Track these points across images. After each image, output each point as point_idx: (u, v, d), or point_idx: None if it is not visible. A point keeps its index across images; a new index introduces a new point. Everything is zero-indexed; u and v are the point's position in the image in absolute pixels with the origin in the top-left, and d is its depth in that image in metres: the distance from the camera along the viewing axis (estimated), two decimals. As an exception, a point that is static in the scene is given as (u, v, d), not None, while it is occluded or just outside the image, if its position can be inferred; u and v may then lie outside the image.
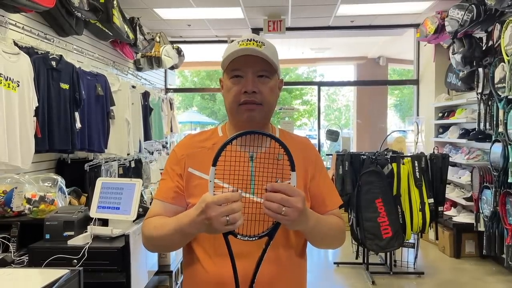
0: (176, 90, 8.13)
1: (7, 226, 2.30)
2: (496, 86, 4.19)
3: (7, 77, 2.75)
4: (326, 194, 1.30)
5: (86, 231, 2.21)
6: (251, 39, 1.22)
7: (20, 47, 3.03)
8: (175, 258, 2.95)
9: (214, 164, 1.04)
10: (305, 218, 1.08)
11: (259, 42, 1.21)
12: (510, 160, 3.89)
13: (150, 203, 2.83)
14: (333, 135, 7.80)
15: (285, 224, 1.04)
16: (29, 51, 3.11)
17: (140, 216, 2.43)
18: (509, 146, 3.91)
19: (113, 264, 2.10)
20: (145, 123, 5.22)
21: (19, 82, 2.85)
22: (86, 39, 4.39)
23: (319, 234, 1.19)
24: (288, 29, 6.27)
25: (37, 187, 2.56)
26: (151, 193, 3.19)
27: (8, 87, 2.76)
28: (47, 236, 2.17)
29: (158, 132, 5.82)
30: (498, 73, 4.17)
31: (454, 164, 5.43)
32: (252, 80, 1.20)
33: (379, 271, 4.54)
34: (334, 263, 4.80)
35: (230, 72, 1.23)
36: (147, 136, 5.27)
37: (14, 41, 3.05)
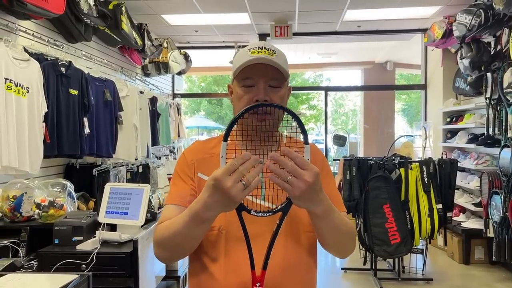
0: (183, 96, 8.17)
1: (16, 231, 2.31)
2: (505, 91, 4.16)
3: (17, 83, 2.78)
4: (331, 198, 1.27)
5: (95, 236, 2.22)
6: (262, 47, 1.20)
7: (30, 54, 3.06)
8: (183, 263, 2.95)
9: (225, 139, 1.02)
10: (316, 197, 1.02)
11: (270, 50, 1.20)
12: (519, 166, 3.86)
13: (158, 208, 2.84)
14: (340, 140, 7.79)
15: (291, 197, 0.99)
16: (39, 57, 3.14)
17: (148, 221, 2.44)
18: (518, 151, 3.88)
19: (122, 269, 2.11)
20: (153, 128, 5.24)
21: (28, 88, 2.88)
22: (94, 45, 4.43)
23: (331, 224, 1.12)
24: (295, 34, 6.28)
25: (46, 192, 2.57)
26: (158, 198, 3.20)
27: (18, 93, 2.79)
28: (56, 241, 2.19)
29: (166, 137, 5.84)
30: (507, 78, 4.14)
31: (463, 170, 5.39)
32: (264, 89, 1.19)
33: (387, 277, 4.50)
34: (342, 268, 4.77)
35: (241, 80, 1.22)
36: (154, 141, 5.30)
37: (24, 48, 3.08)
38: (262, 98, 1.18)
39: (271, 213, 1.03)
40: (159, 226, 1.20)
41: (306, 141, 1.03)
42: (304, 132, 1.03)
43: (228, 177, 0.95)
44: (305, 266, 1.22)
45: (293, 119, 1.04)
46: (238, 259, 1.13)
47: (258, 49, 1.20)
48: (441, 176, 4.22)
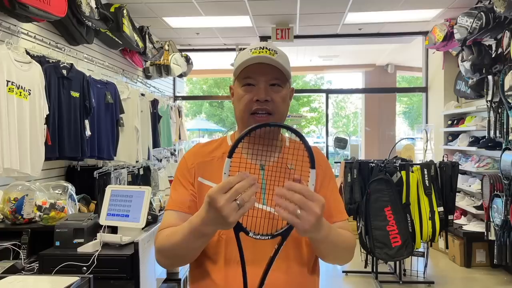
0: (184, 98, 8.18)
1: (17, 233, 2.31)
2: (506, 93, 4.16)
3: (19, 85, 2.78)
4: (333, 204, 1.26)
5: (96, 239, 2.22)
6: (263, 47, 1.19)
7: (32, 56, 3.07)
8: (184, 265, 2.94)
9: (230, 156, 0.99)
10: (320, 226, 1.00)
11: (271, 50, 1.18)
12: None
13: (159, 210, 2.84)
14: (341, 143, 7.78)
15: (298, 229, 0.96)
16: (41, 59, 3.15)
17: (150, 223, 2.44)
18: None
19: (122, 271, 2.10)
20: (154, 131, 5.25)
21: (30, 90, 2.88)
22: (96, 48, 4.44)
23: (330, 244, 1.12)
24: (296, 37, 6.29)
25: (47, 195, 2.57)
26: (159, 200, 3.20)
27: (20, 95, 2.79)
28: (57, 243, 2.18)
29: (167, 140, 5.85)
30: (508, 81, 4.14)
31: (464, 172, 5.39)
32: (264, 89, 1.17)
33: (389, 280, 4.50)
34: (343, 271, 4.76)
35: (242, 80, 1.21)
36: (155, 144, 5.30)
37: (26, 50, 3.09)
38: (262, 97, 1.17)
39: (269, 237, 0.99)
40: (159, 233, 1.19)
41: (312, 166, 0.99)
42: (311, 155, 0.99)
43: (221, 195, 0.92)
44: (307, 272, 1.21)
45: (301, 141, 0.99)
46: (238, 265, 1.11)
47: (260, 49, 1.18)
48: (442, 179, 4.21)
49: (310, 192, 0.96)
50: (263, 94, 1.17)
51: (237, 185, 0.93)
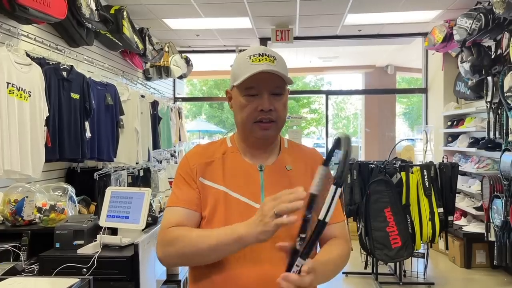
0: (184, 99, 8.18)
1: (18, 234, 2.31)
2: (505, 94, 4.17)
3: (19, 87, 2.79)
4: None
5: (96, 240, 2.23)
6: (263, 53, 1.18)
7: (32, 58, 3.07)
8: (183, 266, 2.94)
9: (326, 164, 1.03)
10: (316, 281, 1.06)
11: (271, 57, 1.18)
12: (520, 169, 3.85)
13: (159, 212, 2.84)
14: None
15: None
16: (41, 61, 3.15)
17: (150, 225, 2.44)
18: (519, 155, 3.87)
19: (122, 273, 2.11)
20: (154, 132, 5.25)
21: (30, 92, 2.89)
22: (96, 50, 4.44)
23: (322, 279, 1.17)
24: (296, 38, 6.28)
25: (47, 196, 2.58)
26: (159, 202, 3.20)
27: (20, 97, 2.80)
28: (57, 245, 2.19)
29: (167, 141, 5.85)
30: (508, 82, 4.15)
31: (464, 173, 5.39)
32: (268, 98, 1.18)
33: (389, 281, 4.50)
34: (343, 273, 4.76)
35: (243, 90, 1.19)
36: (155, 145, 5.30)
37: (26, 52, 3.10)
38: (267, 108, 1.17)
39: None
40: (169, 231, 1.17)
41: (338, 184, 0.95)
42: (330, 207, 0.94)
43: (269, 202, 1.00)
44: None
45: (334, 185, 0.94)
46: (237, 265, 1.13)
47: (259, 56, 1.18)
48: (442, 180, 4.22)
49: (297, 281, 0.98)
50: (267, 104, 1.18)
51: (283, 197, 0.99)
